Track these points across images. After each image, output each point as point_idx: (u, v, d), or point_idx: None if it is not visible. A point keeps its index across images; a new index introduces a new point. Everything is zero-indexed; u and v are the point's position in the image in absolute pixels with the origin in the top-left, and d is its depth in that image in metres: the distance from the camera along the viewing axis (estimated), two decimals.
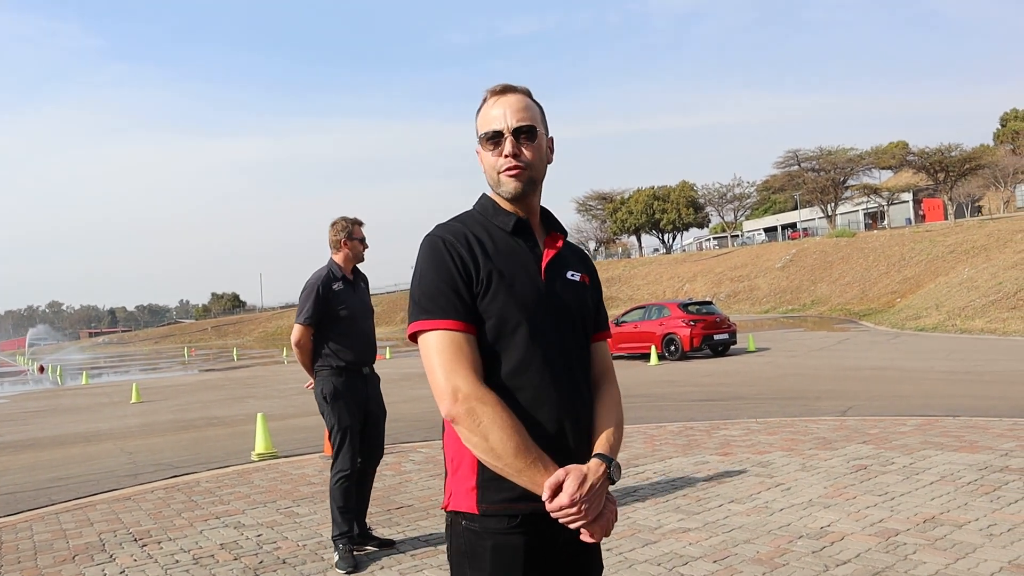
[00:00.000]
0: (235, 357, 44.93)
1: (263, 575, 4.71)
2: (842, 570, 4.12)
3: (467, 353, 1.73)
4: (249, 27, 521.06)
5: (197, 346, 77.36)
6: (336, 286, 5.06)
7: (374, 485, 6.89)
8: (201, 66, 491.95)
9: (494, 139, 1.85)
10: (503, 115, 1.85)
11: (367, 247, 5.22)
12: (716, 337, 21.11)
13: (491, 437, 1.66)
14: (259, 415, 9.62)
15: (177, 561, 5.12)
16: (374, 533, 5.19)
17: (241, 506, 6.58)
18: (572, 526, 1.69)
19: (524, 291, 1.80)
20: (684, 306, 21.75)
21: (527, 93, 1.92)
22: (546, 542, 1.77)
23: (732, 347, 21.92)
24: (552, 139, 1.98)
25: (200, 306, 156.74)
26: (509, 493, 1.73)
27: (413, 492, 6.69)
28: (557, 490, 1.66)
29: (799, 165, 74.58)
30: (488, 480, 1.74)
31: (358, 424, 4.98)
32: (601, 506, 1.72)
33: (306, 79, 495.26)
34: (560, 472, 1.67)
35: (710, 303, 23.06)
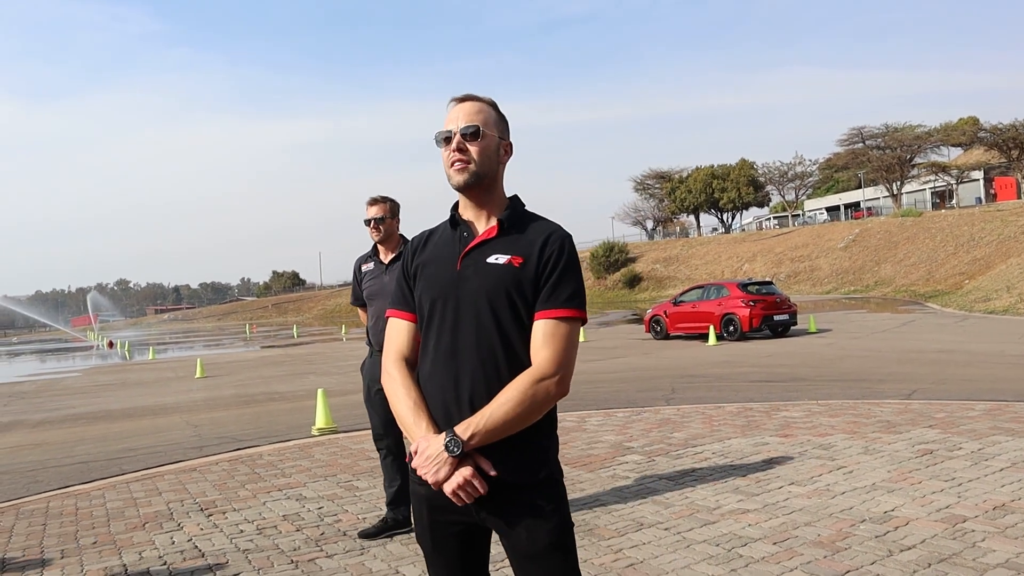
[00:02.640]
0: (295, 334, 45.77)
1: (324, 546, 4.80)
2: (907, 555, 4.04)
3: (398, 337, 2.14)
4: (306, 12, 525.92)
5: (258, 323, 78.99)
6: (365, 267, 5.09)
7: None
8: (261, 49, 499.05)
9: (447, 138, 2.10)
10: (456, 118, 2.10)
11: (376, 229, 4.95)
12: (776, 318, 20.79)
13: (392, 401, 2.08)
14: (319, 391, 9.79)
15: (242, 531, 5.26)
16: (392, 519, 4.97)
17: (302, 479, 6.72)
18: (419, 471, 1.96)
19: (437, 281, 2.07)
20: (744, 286, 21.47)
21: (490, 103, 2.14)
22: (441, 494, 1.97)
23: (792, 328, 21.57)
24: (508, 144, 2.17)
25: (261, 284, 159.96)
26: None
27: None
28: (414, 452, 1.99)
29: (863, 143, 72.67)
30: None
31: (377, 403, 4.93)
32: (441, 473, 1.91)
33: (363, 62, 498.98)
34: (421, 439, 1.97)
35: (770, 283, 22.71)
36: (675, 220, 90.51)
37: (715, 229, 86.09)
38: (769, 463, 6.25)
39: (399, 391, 2.06)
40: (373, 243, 5.04)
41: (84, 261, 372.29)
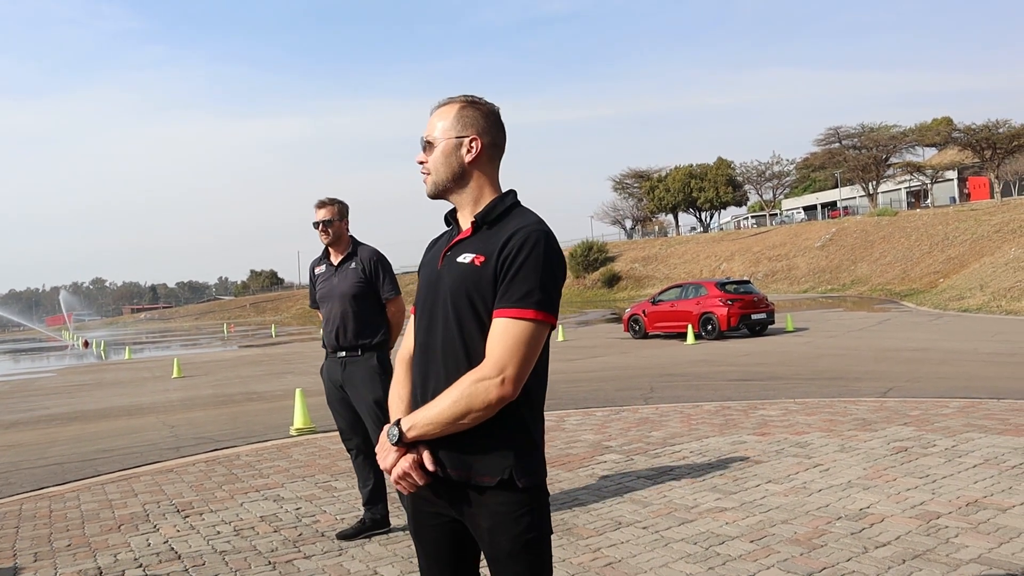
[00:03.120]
0: (273, 334, 45.49)
1: (303, 547, 4.78)
2: (882, 552, 4.08)
3: (408, 332, 2.20)
4: (284, 9, 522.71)
5: (236, 322, 78.45)
6: (318, 269, 5.10)
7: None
8: (237, 47, 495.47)
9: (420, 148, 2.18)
10: (425, 129, 2.16)
11: (324, 232, 4.90)
12: (754, 317, 20.93)
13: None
14: (298, 391, 9.75)
15: (219, 532, 5.22)
16: (369, 520, 4.96)
17: (280, 480, 6.68)
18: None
19: (424, 279, 2.15)
20: (721, 285, 21.59)
21: (460, 102, 2.13)
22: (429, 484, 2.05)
23: (770, 327, 21.72)
24: (474, 139, 2.09)
25: (239, 283, 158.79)
26: None
27: None
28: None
29: (840, 143, 73.24)
30: None
31: (338, 405, 4.97)
32: (387, 461, 2.01)
33: (340, 61, 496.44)
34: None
35: (748, 282, 22.87)
36: (654, 219, 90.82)
37: (693, 228, 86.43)
38: (746, 461, 6.30)
39: (393, 386, 2.20)
40: (324, 246, 5.02)
41: (59, 259, 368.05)
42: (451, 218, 2.19)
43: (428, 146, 2.12)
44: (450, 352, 2.01)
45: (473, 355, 1.97)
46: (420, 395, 2.06)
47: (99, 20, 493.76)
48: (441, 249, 2.13)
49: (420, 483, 1.99)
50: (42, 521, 5.88)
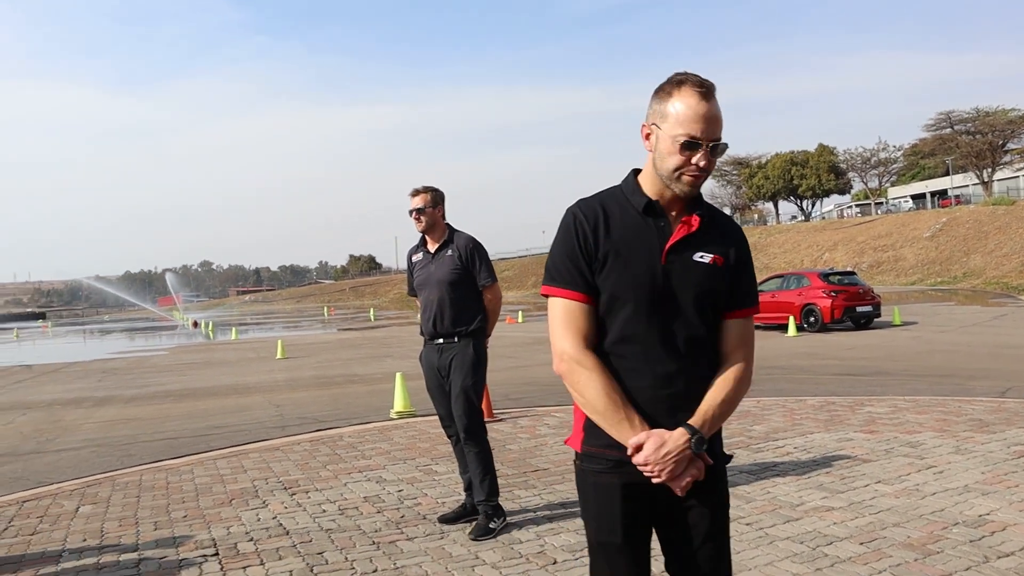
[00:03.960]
0: (372, 317, 46.52)
1: (405, 529, 4.88)
2: (1005, 563, 3.89)
3: (578, 320, 1.99)
4: (379, 2, 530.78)
5: (336, 306, 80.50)
6: (415, 257, 5.13)
7: (508, 447, 7.05)
8: (338, 37, 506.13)
9: (690, 146, 1.94)
10: (705, 124, 1.93)
11: (418, 219, 4.93)
12: (859, 309, 20.20)
13: (586, 394, 1.96)
14: (398, 375, 9.93)
15: (324, 511, 5.37)
16: (471, 505, 4.97)
17: (382, 461, 6.83)
18: (653, 480, 1.93)
19: (638, 271, 1.97)
20: (825, 276, 20.91)
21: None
22: (647, 482, 1.95)
23: (876, 320, 20.94)
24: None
25: (338, 267, 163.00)
26: (605, 439, 1.98)
27: (548, 456, 6.76)
28: (639, 448, 1.92)
29: (952, 128, 69.82)
30: (591, 426, 2.02)
31: (436, 392, 5.00)
32: (681, 469, 1.92)
33: (435, 48, 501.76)
34: (643, 434, 1.92)
35: (853, 273, 22.08)
36: (753, 207, 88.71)
37: (794, 217, 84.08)
38: (854, 460, 6.09)
39: (598, 383, 1.96)
40: (421, 233, 5.07)
41: (171, 244, 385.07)
42: (655, 209, 2.02)
43: (717, 150, 1.97)
44: (699, 349, 2.02)
45: (712, 350, 2.07)
46: (666, 393, 1.98)
47: (203, 13, 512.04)
48: (648, 238, 2.00)
49: (701, 479, 1.97)
50: (160, 492, 6.17)
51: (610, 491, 2.01)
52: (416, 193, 4.98)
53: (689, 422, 1.95)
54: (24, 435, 10.06)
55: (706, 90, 1.94)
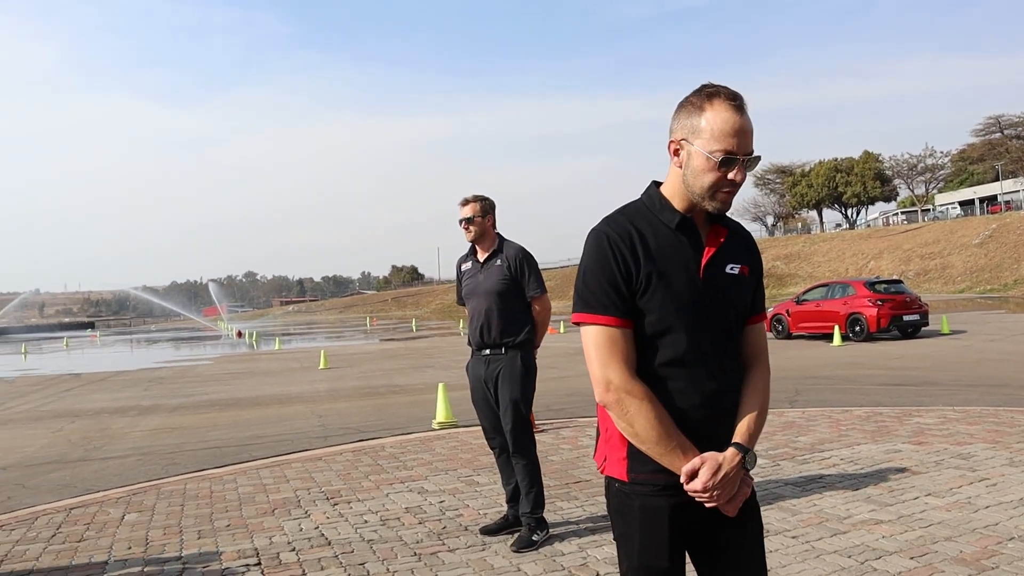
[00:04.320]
0: (414, 328, 46.77)
1: (446, 540, 4.86)
2: None
3: (621, 347, 1.90)
4: (425, 9, 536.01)
5: (378, 316, 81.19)
6: (464, 266, 5.10)
7: (551, 458, 7.01)
8: (384, 49, 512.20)
9: (727, 163, 1.89)
10: (740, 139, 1.89)
11: (467, 228, 4.92)
12: (906, 318, 19.81)
13: (636, 425, 1.88)
14: (440, 385, 9.94)
15: (366, 521, 5.38)
16: (513, 516, 4.95)
17: (424, 472, 6.84)
18: (707, 505, 1.89)
19: (681, 290, 1.92)
20: (871, 284, 20.55)
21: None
22: (693, 502, 1.92)
23: (923, 329, 20.52)
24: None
25: (381, 278, 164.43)
26: (653, 465, 1.92)
27: (591, 467, 6.71)
28: (693, 475, 1.87)
29: (1001, 132, 68.50)
30: (636, 454, 1.94)
31: (483, 404, 4.94)
32: (734, 490, 1.90)
33: (479, 59, 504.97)
34: (696, 460, 1.87)
35: (899, 282, 21.68)
36: (796, 216, 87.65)
37: (839, 225, 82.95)
38: (903, 472, 5.96)
39: (650, 413, 1.88)
40: (471, 243, 5.05)
41: (216, 254, 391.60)
42: (688, 225, 1.98)
43: (750, 162, 1.94)
44: (734, 361, 2.03)
45: (741, 361, 2.07)
46: (712, 412, 1.94)
47: (251, 27, 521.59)
48: (683, 254, 1.95)
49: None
50: (204, 501, 6.24)
51: (658, 514, 1.95)
52: (466, 202, 4.96)
53: (737, 440, 1.94)
54: (72, 443, 10.26)
55: (739, 103, 1.90)
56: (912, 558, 4.14)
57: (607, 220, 2.00)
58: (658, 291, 1.91)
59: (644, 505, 1.96)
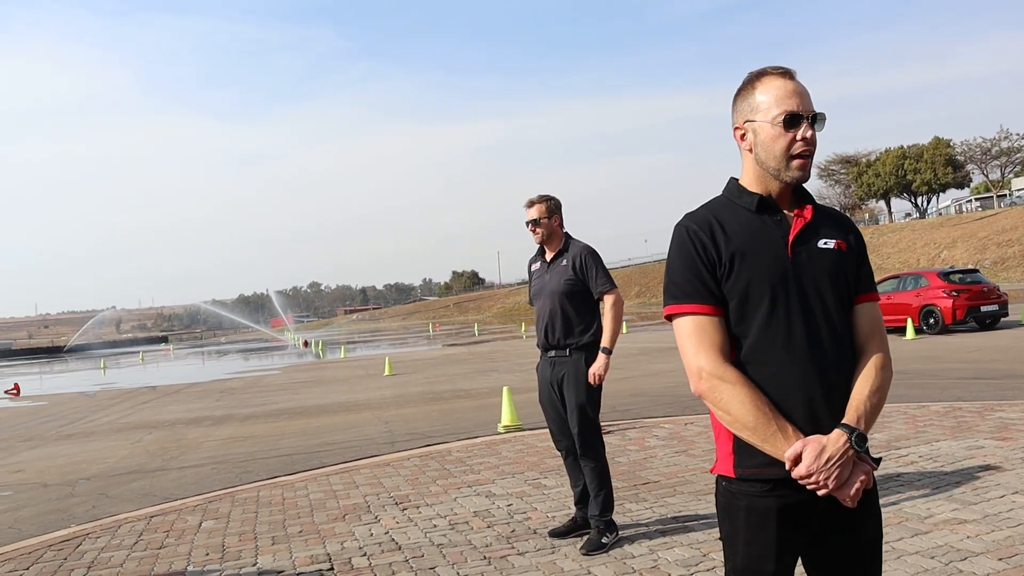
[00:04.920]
0: (476, 332, 46.96)
1: (516, 544, 4.85)
2: None
3: (711, 334, 1.88)
4: (480, 19, 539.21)
5: (440, 322, 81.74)
6: (534, 266, 5.08)
7: (618, 460, 6.94)
8: (436, 58, 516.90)
9: (793, 121, 1.90)
10: (798, 98, 1.92)
11: (534, 230, 4.91)
12: (984, 309, 19.13)
13: (733, 411, 1.83)
14: (504, 388, 9.95)
15: (435, 526, 5.40)
16: (581, 519, 4.92)
17: (491, 476, 6.84)
18: (819, 493, 1.79)
19: (768, 268, 1.88)
20: (945, 275, 19.90)
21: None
22: (804, 503, 1.84)
23: (1003, 319, 19.79)
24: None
25: (442, 284, 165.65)
26: (761, 459, 1.85)
27: (659, 468, 6.62)
28: (798, 460, 1.78)
29: None
30: (741, 447, 1.88)
31: (549, 406, 4.91)
32: (846, 475, 1.79)
33: (532, 62, 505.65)
34: (799, 443, 1.79)
35: (976, 271, 20.96)
36: (863, 206, 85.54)
37: (908, 214, 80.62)
38: (986, 469, 5.73)
39: (744, 396, 1.83)
40: (539, 244, 5.02)
41: (281, 266, 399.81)
42: (768, 204, 1.96)
43: (818, 122, 1.94)
44: (840, 341, 1.92)
45: (850, 340, 1.96)
46: (820, 397, 1.86)
47: (311, 43, 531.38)
48: (770, 233, 1.92)
49: (870, 486, 1.86)
50: (277, 508, 6.34)
51: (765, 516, 1.88)
52: (532, 204, 4.93)
53: (844, 421, 1.83)
54: (150, 453, 10.55)
55: (788, 71, 1.95)
56: (1000, 559, 3.97)
57: (688, 214, 2.01)
58: (743, 272, 1.88)
59: (751, 506, 1.89)
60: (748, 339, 1.88)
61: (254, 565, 4.89)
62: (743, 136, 1.98)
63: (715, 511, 2.04)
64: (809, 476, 1.76)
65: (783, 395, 1.85)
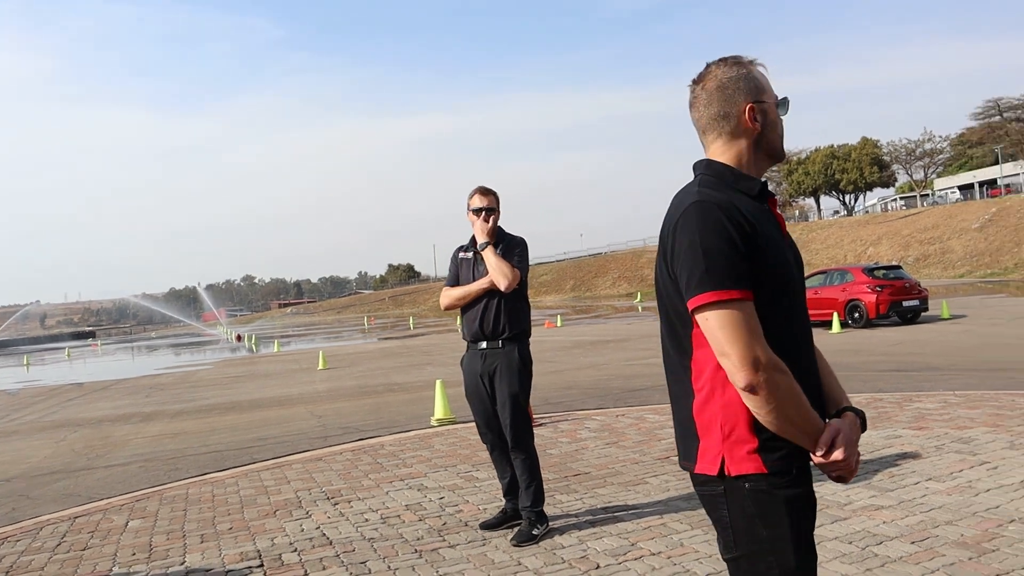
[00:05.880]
0: (411, 326, 46.77)
1: (447, 536, 4.86)
2: None
3: (756, 322, 1.75)
4: (418, 8, 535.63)
5: (376, 315, 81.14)
6: (462, 255, 5.00)
7: (549, 452, 7.00)
8: (374, 49, 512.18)
9: (784, 104, 2.03)
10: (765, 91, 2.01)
11: (486, 219, 4.82)
12: (905, 303, 19.79)
13: (787, 405, 1.73)
14: (438, 382, 9.95)
15: (367, 520, 5.39)
16: (511, 510, 4.95)
17: (423, 469, 6.84)
18: (835, 475, 1.82)
19: (783, 256, 1.87)
20: (869, 271, 20.53)
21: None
22: (812, 490, 1.88)
23: (923, 314, 20.51)
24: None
25: (378, 277, 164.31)
26: (786, 449, 1.79)
27: (590, 460, 6.71)
28: (830, 445, 1.78)
29: (1001, 115, 68.31)
30: (768, 440, 1.78)
31: (477, 399, 4.88)
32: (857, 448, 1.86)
33: (474, 57, 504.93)
34: (831, 429, 1.80)
35: (898, 267, 21.68)
36: (793, 203, 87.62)
37: (836, 212, 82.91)
38: (903, 457, 5.95)
39: (797, 387, 1.76)
40: (471, 234, 4.95)
41: (214, 259, 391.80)
42: (765, 192, 1.96)
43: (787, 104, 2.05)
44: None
45: None
46: (815, 381, 1.92)
47: (246, 32, 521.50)
48: (773, 224, 1.92)
49: None
50: (206, 505, 6.24)
51: (804, 503, 1.83)
52: (486, 192, 4.89)
53: (847, 405, 1.94)
54: (76, 452, 10.26)
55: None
56: (913, 542, 4.14)
57: (704, 191, 1.86)
58: (768, 258, 1.81)
59: (789, 497, 1.80)
60: (779, 330, 1.81)
61: (182, 564, 4.81)
62: (753, 117, 1.95)
63: (692, 510, 2.03)
64: (845, 460, 1.77)
65: (808, 385, 1.83)
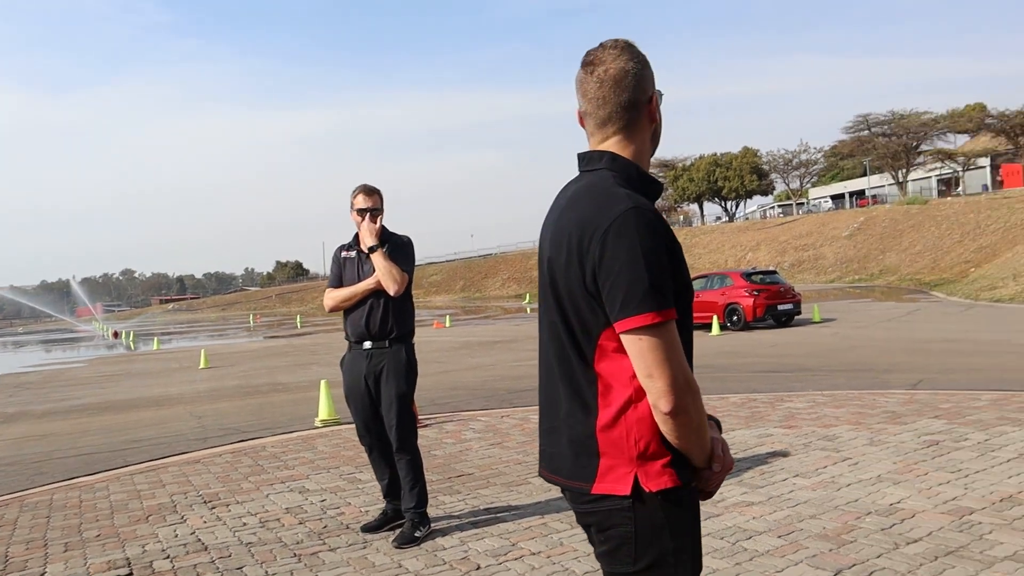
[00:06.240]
0: (298, 324, 45.83)
1: (327, 539, 4.79)
2: (913, 548, 4.01)
3: (680, 342, 1.68)
4: (316, 6, 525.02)
5: (262, 313, 79.08)
6: (344, 254, 4.92)
7: (434, 453, 6.99)
8: (267, 40, 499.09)
9: (661, 98, 1.89)
10: None
11: (372, 219, 4.78)
12: (780, 307, 20.72)
13: (702, 425, 1.71)
14: (323, 382, 9.79)
15: (245, 524, 5.24)
16: (392, 512, 4.93)
17: (305, 471, 6.71)
18: (716, 483, 1.80)
19: (687, 270, 1.81)
20: (747, 275, 21.39)
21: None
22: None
23: (796, 318, 21.50)
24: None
25: (265, 274, 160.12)
26: (687, 465, 1.75)
27: (474, 461, 6.73)
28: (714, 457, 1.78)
29: (869, 130, 72.19)
30: (678, 457, 1.73)
31: (359, 401, 4.83)
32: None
33: (368, 53, 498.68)
34: (715, 442, 1.78)
35: (774, 272, 22.65)
36: (678, 209, 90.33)
37: (719, 218, 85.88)
38: (773, 455, 6.23)
39: (704, 408, 1.73)
40: (354, 233, 4.89)
41: (88, 251, 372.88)
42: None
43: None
44: None
45: None
46: None
47: (131, 14, 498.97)
48: None
49: None
50: (72, 511, 5.94)
51: (697, 512, 1.83)
52: (372, 192, 4.82)
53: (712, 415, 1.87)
54: None
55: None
56: (780, 536, 4.33)
57: (633, 197, 1.71)
58: (683, 275, 1.76)
59: (694, 507, 1.79)
60: (684, 345, 1.74)
61: (42, 575, 4.56)
62: (657, 108, 1.85)
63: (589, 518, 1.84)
64: (728, 470, 1.78)
65: None
